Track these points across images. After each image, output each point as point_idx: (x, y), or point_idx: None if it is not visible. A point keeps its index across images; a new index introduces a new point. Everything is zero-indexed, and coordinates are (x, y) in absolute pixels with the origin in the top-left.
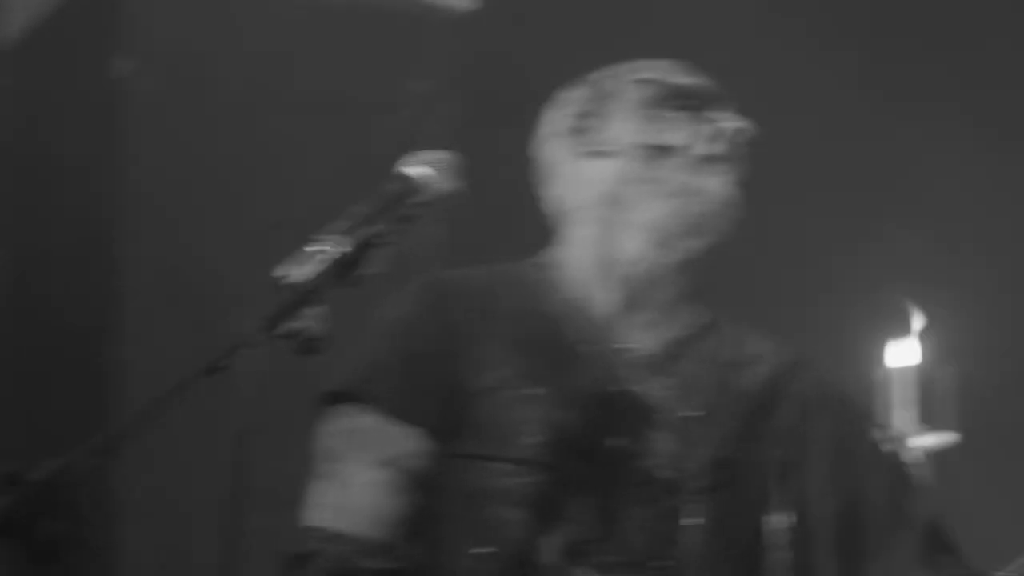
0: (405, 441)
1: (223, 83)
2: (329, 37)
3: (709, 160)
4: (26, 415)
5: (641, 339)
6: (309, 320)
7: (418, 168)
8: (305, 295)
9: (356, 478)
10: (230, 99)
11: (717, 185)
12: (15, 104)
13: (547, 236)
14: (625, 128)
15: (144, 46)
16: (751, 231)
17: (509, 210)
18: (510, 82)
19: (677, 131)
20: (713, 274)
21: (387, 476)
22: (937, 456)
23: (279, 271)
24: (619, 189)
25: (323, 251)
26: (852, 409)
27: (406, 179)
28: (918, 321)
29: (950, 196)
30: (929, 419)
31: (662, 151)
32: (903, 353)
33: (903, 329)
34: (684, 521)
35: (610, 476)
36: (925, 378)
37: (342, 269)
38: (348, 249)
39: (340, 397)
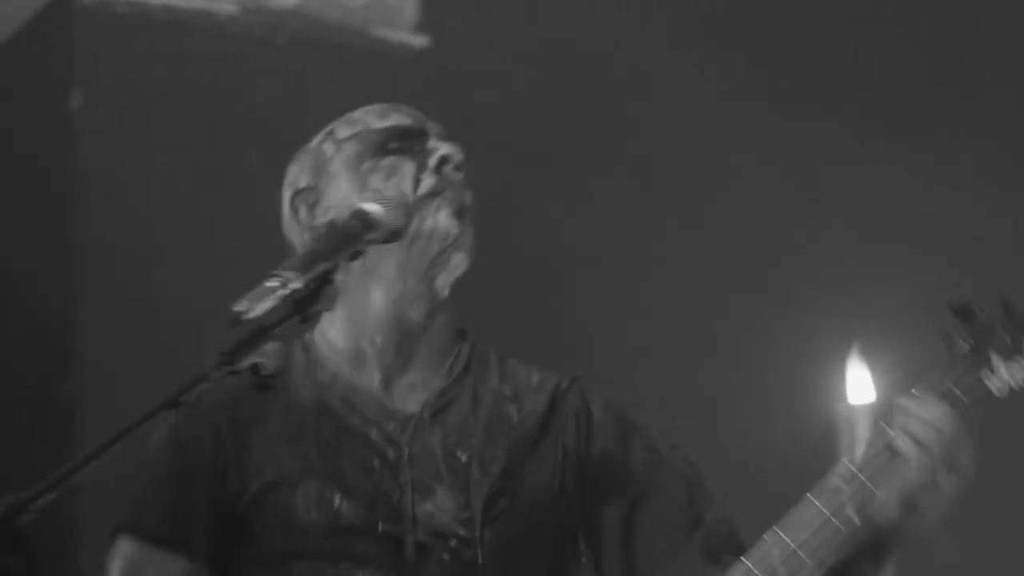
0: (171, 570)
1: (176, 115)
2: (281, 70)
3: (432, 196)
4: None
5: (409, 398)
6: (266, 356)
7: (373, 204)
8: (263, 330)
9: None
10: (184, 131)
11: (445, 218)
12: None
13: None
14: (342, 192)
15: (96, 78)
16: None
17: None
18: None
19: (393, 178)
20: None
21: None
22: None
23: (238, 306)
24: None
25: (280, 286)
26: (628, 421)
27: (363, 215)
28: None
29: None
30: None
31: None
32: (859, 389)
33: (858, 366)
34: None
35: (395, 550)
36: (880, 414)
37: (299, 305)
38: (305, 285)
39: (116, 530)
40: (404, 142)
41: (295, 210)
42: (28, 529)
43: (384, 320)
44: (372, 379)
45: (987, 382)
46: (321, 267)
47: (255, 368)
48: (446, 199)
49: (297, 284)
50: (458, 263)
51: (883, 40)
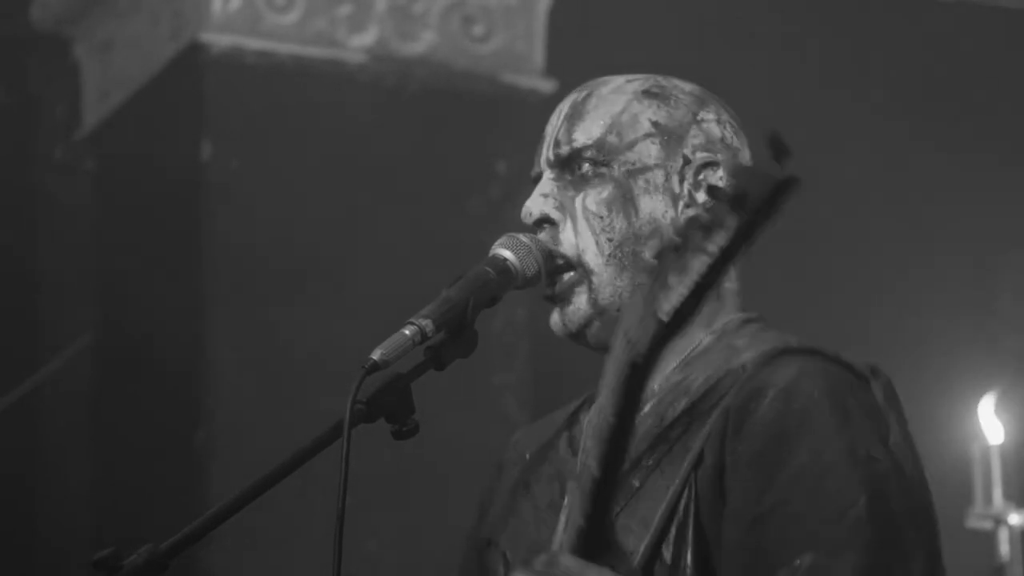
0: None
1: (306, 165)
2: (411, 118)
3: None
4: (121, 499)
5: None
6: (401, 404)
7: (508, 251)
8: (399, 379)
9: None
10: (313, 181)
11: None
12: (98, 188)
13: None
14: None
15: (226, 129)
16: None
17: None
18: None
19: None
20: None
21: None
22: None
23: (373, 354)
24: None
25: (416, 334)
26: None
27: (499, 262)
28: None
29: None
30: (1017, 497)
31: None
32: (990, 430)
33: (990, 406)
34: None
35: None
36: (1012, 455)
37: (435, 352)
38: (440, 332)
39: None
40: None
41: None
42: None
43: None
44: None
45: None
46: (456, 313)
47: (392, 417)
48: None
49: (432, 331)
50: None
51: None
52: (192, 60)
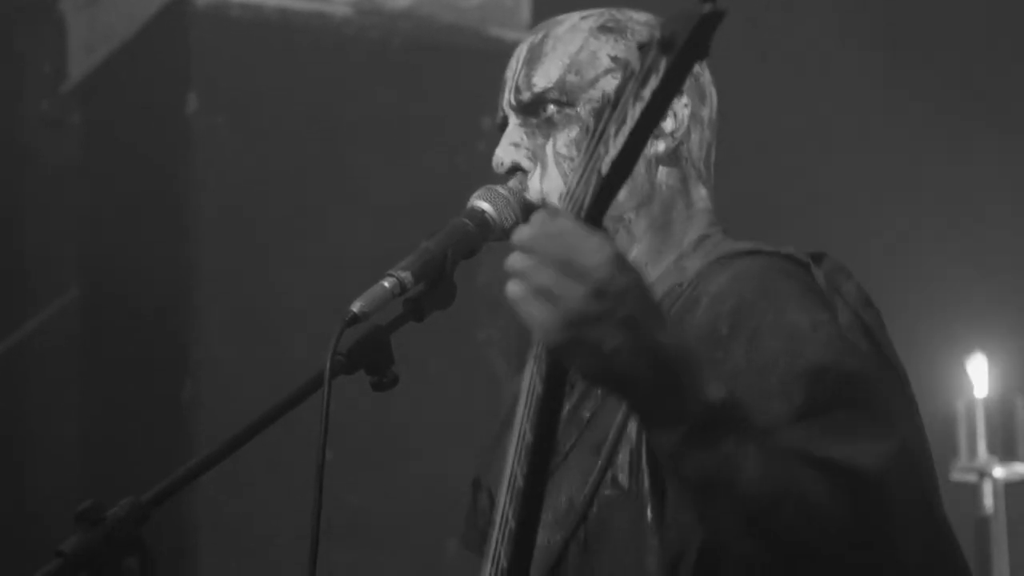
0: None
1: (291, 117)
2: (396, 72)
3: None
4: (103, 452)
5: None
6: (381, 356)
7: (486, 203)
8: (378, 331)
9: None
10: (298, 133)
11: None
12: (84, 142)
13: None
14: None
15: (211, 81)
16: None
17: None
18: None
19: None
20: None
21: None
22: (1010, 488)
23: (353, 306)
24: None
25: (396, 286)
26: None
27: (477, 214)
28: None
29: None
30: (1001, 450)
31: None
32: (974, 384)
33: (973, 361)
34: None
35: None
36: (996, 410)
37: (414, 304)
38: (419, 284)
39: None
40: None
41: None
42: (153, 532)
43: None
44: None
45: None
46: (435, 266)
47: (372, 368)
48: None
49: (411, 283)
50: None
51: None
52: (177, 14)
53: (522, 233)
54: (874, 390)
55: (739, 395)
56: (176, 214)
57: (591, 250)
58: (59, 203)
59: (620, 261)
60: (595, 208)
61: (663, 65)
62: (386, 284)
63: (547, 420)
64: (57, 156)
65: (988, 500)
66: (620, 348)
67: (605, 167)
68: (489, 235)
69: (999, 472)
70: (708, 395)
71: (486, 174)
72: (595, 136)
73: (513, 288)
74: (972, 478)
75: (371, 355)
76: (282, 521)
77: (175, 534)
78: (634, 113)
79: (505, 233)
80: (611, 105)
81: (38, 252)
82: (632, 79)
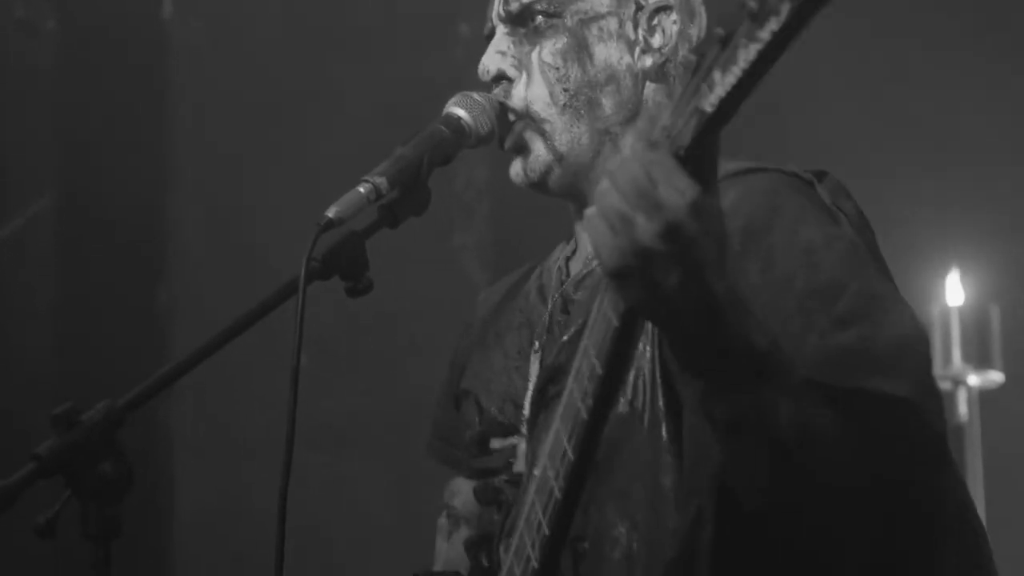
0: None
1: (267, 23)
2: None
3: None
4: (79, 357)
5: None
6: (355, 262)
7: (462, 110)
8: (353, 236)
9: None
10: (274, 39)
11: None
12: (59, 47)
13: None
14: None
15: None
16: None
17: None
18: None
19: None
20: None
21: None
22: (984, 395)
23: (328, 212)
24: None
25: (371, 191)
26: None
27: (452, 120)
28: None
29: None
30: (975, 359)
31: None
32: (949, 293)
33: (948, 270)
34: None
35: None
36: (971, 318)
37: (389, 210)
38: (394, 190)
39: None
40: None
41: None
42: (128, 435)
43: None
44: None
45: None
46: (410, 171)
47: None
48: None
49: (387, 189)
50: None
51: None
52: None
53: (619, 157)
54: (891, 306)
55: (781, 343)
56: (151, 120)
57: (675, 189)
58: (34, 109)
59: (700, 207)
60: (695, 146)
61: (785, 8)
62: (361, 190)
63: (622, 351)
64: (32, 60)
65: (963, 408)
66: (675, 292)
67: (711, 105)
68: (465, 142)
69: (974, 380)
70: (754, 343)
71: (463, 81)
72: (700, 72)
73: (591, 209)
74: (947, 386)
75: (346, 260)
76: (257, 425)
77: (151, 441)
78: (748, 54)
79: (481, 139)
80: (720, 43)
81: (13, 157)
82: (747, 18)
